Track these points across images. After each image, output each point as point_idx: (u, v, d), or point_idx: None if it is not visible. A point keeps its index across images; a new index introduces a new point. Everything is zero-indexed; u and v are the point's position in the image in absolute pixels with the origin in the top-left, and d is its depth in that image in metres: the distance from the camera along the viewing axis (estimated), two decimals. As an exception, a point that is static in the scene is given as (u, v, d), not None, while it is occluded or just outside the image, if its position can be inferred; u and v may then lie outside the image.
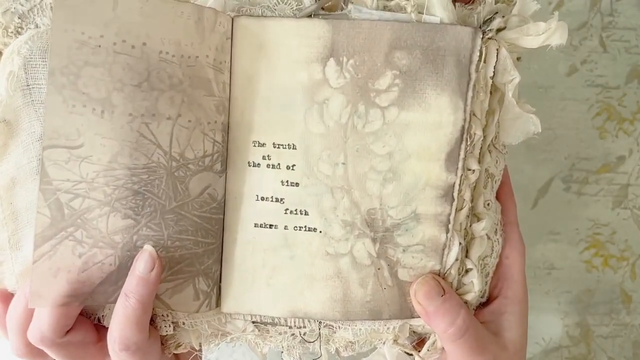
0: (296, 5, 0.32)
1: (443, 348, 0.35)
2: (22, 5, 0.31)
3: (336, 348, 0.36)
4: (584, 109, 0.59)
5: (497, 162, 0.35)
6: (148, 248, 0.31)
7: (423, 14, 0.31)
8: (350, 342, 0.35)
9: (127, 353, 0.31)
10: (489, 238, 0.35)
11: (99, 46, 0.29)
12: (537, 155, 0.60)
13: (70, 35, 0.29)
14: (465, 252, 0.35)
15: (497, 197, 0.37)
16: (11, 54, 0.31)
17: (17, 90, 0.31)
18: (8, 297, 0.34)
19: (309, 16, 0.32)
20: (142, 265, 0.31)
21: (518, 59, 0.33)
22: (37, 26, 0.31)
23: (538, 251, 0.62)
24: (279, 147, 0.33)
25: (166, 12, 0.30)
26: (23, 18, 0.31)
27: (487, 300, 0.37)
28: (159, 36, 0.30)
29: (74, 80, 0.29)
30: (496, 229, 0.36)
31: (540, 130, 0.33)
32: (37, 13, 0.31)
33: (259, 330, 0.36)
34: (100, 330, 0.34)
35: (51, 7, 0.31)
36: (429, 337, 0.36)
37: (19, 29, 0.31)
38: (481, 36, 0.31)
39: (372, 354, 0.38)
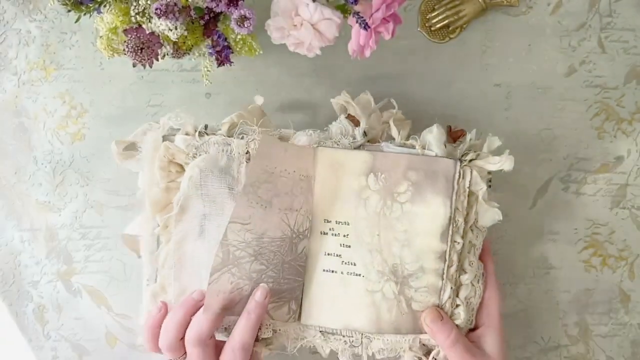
0: (352, 140, 0.52)
1: (446, 358, 0.50)
2: (197, 141, 0.53)
3: (372, 352, 0.52)
4: (583, 110, 0.56)
5: (477, 237, 0.53)
6: (264, 285, 0.49)
7: (425, 149, 0.51)
8: (382, 348, 0.51)
9: (241, 351, 0.45)
10: (472, 285, 0.52)
11: (272, 173, 0.48)
12: (536, 156, 0.59)
13: (259, 166, 0.47)
14: (456, 293, 0.52)
15: (480, 258, 0.53)
16: (192, 167, 0.50)
17: (191, 187, 0.51)
18: (167, 308, 0.48)
19: (359, 147, 0.52)
20: (259, 294, 0.48)
21: (489, 174, 0.53)
22: (206, 152, 0.52)
23: (537, 251, 0.60)
24: (339, 223, 0.52)
25: (298, 152, 0.48)
26: (198, 149, 0.53)
27: (474, 328, 0.51)
28: (294, 165, 0.47)
29: (255, 191, 0.48)
30: (479, 279, 0.54)
31: (501, 218, 0.48)
32: (204, 147, 0.51)
33: (323, 337, 0.52)
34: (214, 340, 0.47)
35: (248, 158, 0.47)
36: (434, 349, 0.51)
37: (195, 155, 0.52)
38: (460, 164, 0.50)
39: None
